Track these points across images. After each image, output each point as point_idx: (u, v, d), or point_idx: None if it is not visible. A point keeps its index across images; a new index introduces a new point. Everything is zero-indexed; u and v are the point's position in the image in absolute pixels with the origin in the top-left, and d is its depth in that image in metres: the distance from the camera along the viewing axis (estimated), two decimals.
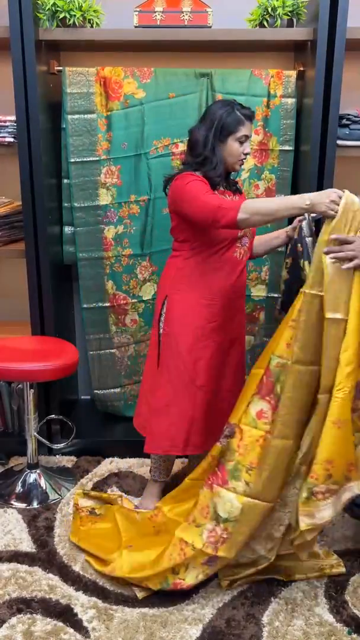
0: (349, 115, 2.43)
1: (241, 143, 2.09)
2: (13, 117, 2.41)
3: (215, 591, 1.97)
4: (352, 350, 1.73)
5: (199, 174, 2.07)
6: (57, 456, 2.75)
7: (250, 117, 2.09)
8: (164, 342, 2.19)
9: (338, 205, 1.77)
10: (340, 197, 1.78)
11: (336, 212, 1.76)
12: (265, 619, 1.86)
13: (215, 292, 2.14)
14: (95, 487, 2.51)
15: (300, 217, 2.04)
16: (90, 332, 2.76)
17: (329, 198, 1.79)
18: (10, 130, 2.45)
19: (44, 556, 2.11)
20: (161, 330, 2.20)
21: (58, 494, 2.46)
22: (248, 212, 1.91)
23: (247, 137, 2.09)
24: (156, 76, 2.48)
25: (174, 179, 2.10)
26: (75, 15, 2.31)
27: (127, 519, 2.22)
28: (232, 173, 2.20)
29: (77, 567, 2.06)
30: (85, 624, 1.83)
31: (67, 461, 2.72)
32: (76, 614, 1.86)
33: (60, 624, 1.83)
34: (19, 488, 2.47)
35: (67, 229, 2.66)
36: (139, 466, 2.66)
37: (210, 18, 2.38)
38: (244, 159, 2.13)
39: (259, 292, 2.72)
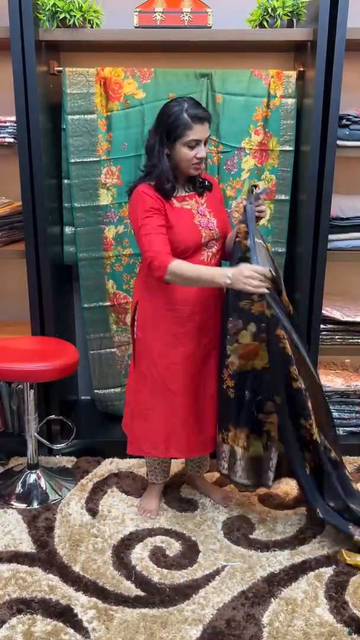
0: (349, 115, 2.43)
1: (191, 148, 1.98)
2: (13, 118, 2.41)
3: (216, 591, 1.97)
4: None
5: (153, 183, 2.02)
6: (57, 456, 2.75)
7: (202, 118, 1.96)
8: (137, 347, 2.20)
9: (254, 279, 1.87)
10: (254, 271, 1.88)
11: (252, 287, 1.88)
12: (265, 619, 1.86)
13: (182, 298, 2.09)
14: (96, 487, 2.51)
15: (244, 197, 2.01)
16: (91, 331, 2.76)
17: (242, 275, 1.88)
18: (10, 130, 2.45)
19: (44, 557, 2.11)
20: (135, 336, 2.20)
21: (58, 494, 2.45)
22: (172, 274, 1.95)
23: (197, 141, 1.97)
24: (156, 76, 2.48)
25: (132, 191, 2.06)
26: (75, 16, 2.31)
27: None
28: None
29: (77, 568, 2.06)
30: (85, 624, 1.83)
31: (67, 461, 2.72)
32: (76, 615, 1.86)
33: (61, 624, 1.83)
34: (19, 488, 2.47)
35: (68, 229, 2.66)
36: (139, 467, 2.66)
37: (210, 18, 2.38)
38: (198, 163, 2.02)
39: None
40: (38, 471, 2.52)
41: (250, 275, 1.88)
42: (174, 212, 2.05)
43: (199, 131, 1.96)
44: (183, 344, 2.14)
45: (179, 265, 1.95)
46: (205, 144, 2.02)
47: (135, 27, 2.40)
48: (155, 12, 2.38)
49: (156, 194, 2.01)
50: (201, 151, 1.99)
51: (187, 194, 2.10)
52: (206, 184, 2.15)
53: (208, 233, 2.09)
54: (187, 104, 1.97)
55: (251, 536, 2.24)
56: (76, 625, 1.82)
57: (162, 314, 2.12)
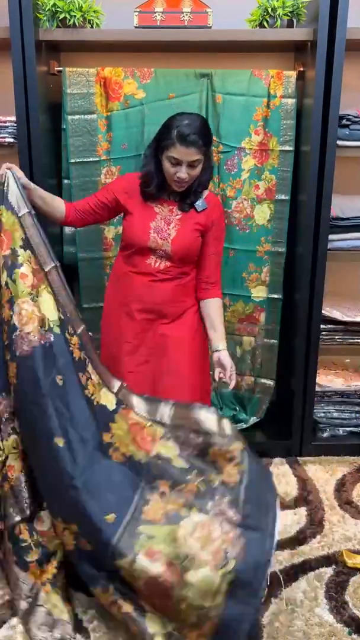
0: (349, 115, 2.43)
1: (172, 164, 1.97)
2: (13, 118, 2.41)
3: None
4: None
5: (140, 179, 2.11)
6: None
7: (188, 142, 1.92)
8: None
9: None
10: None
11: None
12: (265, 619, 1.86)
13: (126, 299, 2.15)
14: None
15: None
16: (91, 331, 2.75)
17: None
18: (10, 130, 2.45)
19: None
20: None
21: None
22: None
23: (177, 160, 1.96)
24: (156, 76, 2.48)
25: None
26: (75, 16, 2.31)
27: None
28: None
29: None
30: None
31: None
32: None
33: None
34: None
35: (68, 230, 2.66)
36: None
37: (210, 18, 2.38)
38: (178, 181, 2.01)
39: (259, 293, 2.71)
40: None
41: None
42: (142, 207, 2.09)
43: (180, 152, 1.95)
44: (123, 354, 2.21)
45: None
46: (192, 167, 1.99)
47: (135, 27, 2.40)
48: (155, 12, 2.38)
49: (131, 186, 2.10)
50: (181, 172, 1.98)
51: (167, 199, 2.10)
52: (199, 203, 2.10)
53: (157, 240, 2.07)
54: (185, 122, 1.95)
55: None
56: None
57: (114, 314, 2.24)
